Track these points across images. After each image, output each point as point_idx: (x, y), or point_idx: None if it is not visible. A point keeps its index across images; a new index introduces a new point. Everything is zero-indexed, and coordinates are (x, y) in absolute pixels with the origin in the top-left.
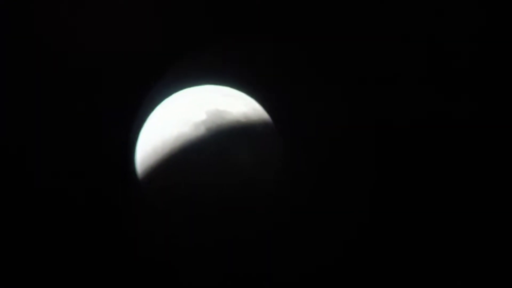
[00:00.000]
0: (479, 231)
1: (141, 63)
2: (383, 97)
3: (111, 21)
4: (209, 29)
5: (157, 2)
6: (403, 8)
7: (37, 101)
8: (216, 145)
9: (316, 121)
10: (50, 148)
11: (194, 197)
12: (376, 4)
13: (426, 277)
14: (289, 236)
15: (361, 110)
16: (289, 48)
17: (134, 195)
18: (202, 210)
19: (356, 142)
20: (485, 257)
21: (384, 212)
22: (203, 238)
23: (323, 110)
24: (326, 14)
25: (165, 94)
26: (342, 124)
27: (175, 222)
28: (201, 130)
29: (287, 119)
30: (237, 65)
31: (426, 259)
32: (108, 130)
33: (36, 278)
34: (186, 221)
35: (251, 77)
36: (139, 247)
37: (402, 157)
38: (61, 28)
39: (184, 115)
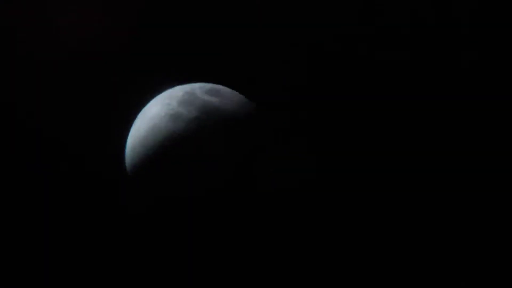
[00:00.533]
0: (480, 231)
1: (131, 61)
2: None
3: (104, 20)
4: (197, 27)
5: (146, 2)
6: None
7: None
8: (207, 142)
9: (306, 112)
10: (43, 146)
11: (186, 193)
12: None
13: (426, 277)
14: (286, 234)
15: (353, 102)
16: (275, 42)
17: (124, 190)
18: (193, 206)
19: (349, 133)
20: (485, 257)
21: (384, 212)
22: (196, 230)
23: (312, 100)
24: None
25: (155, 92)
26: (331, 115)
27: (166, 219)
28: (192, 127)
29: (276, 112)
30: (226, 62)
31: (426, 259)
32: (98, 127)
33: (35, 275)
34: (176, 216)
35: (240, 73)
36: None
37: (400, 156)
38: (53, 30)
39: (175, 112)
